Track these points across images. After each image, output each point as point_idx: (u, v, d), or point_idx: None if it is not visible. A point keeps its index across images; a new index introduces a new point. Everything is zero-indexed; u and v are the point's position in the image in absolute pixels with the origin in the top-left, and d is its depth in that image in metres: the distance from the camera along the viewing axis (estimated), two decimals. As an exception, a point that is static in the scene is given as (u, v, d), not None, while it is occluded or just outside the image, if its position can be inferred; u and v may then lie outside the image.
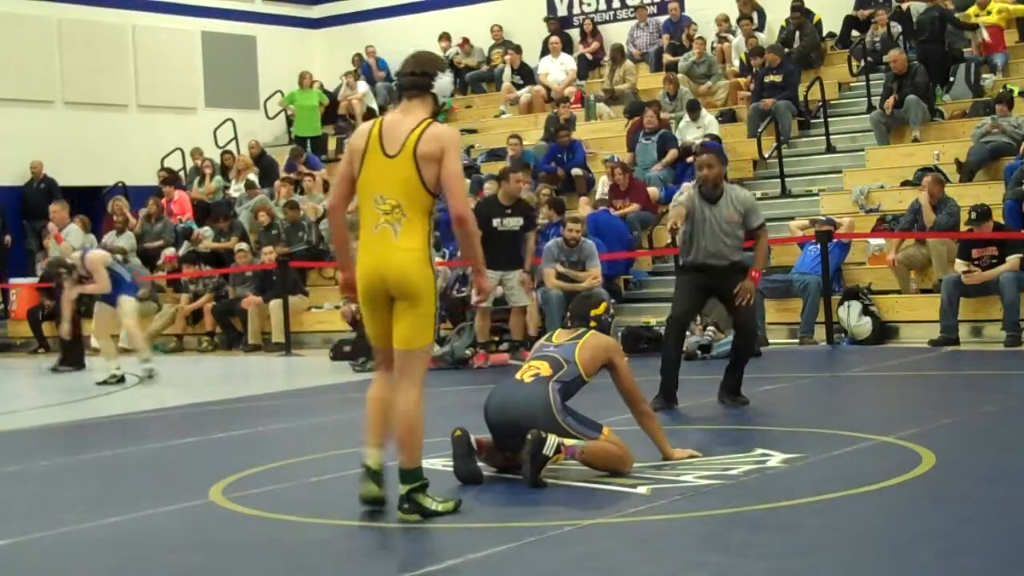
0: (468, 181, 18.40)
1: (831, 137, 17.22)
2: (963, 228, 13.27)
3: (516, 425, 6.31)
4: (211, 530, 5.89)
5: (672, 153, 16.87)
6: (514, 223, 12.85)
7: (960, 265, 12.76)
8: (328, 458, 7.61)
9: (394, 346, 5.76)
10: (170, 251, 18.91)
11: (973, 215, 12.82)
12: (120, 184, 21.55)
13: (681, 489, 6.07)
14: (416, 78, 5.85)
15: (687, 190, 9.40)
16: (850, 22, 19.25)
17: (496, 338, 13.80)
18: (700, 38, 19.81)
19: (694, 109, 17.64)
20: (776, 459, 6.72)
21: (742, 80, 18.83)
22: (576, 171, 17.50)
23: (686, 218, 9.05)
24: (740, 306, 8.98)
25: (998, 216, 13.21)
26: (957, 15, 17.68)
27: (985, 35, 17.33)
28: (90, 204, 21.04)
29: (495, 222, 12.59)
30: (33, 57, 21.35)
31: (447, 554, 5.02)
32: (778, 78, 17.44)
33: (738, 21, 19.65)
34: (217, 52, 23.87)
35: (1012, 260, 12.58)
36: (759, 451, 6.93)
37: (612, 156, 17.05)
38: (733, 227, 9.02)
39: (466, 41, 23.05)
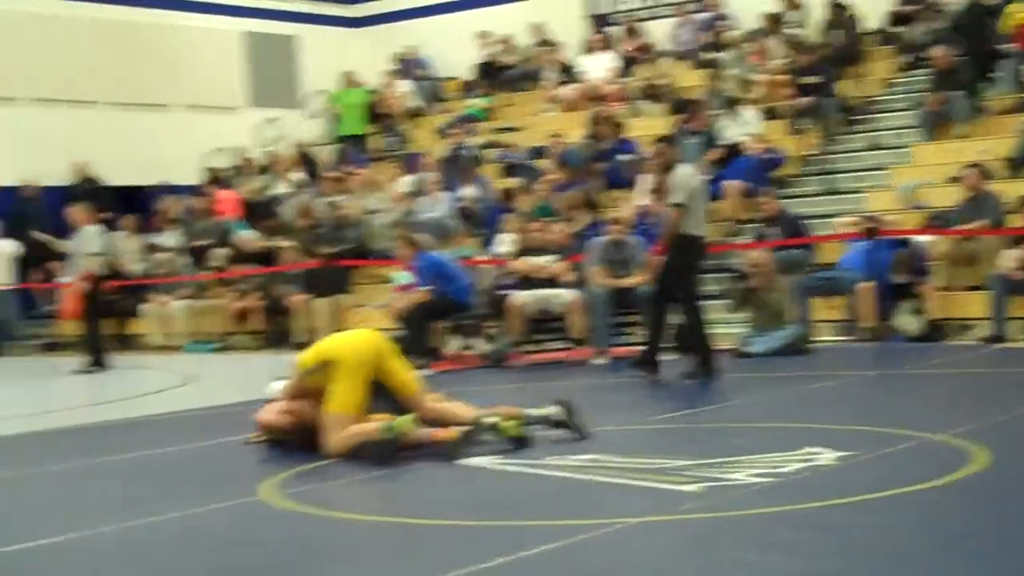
0: (523, 180, 18.23)
1: (876, 134, 17.10)
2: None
3: None
4: (261, 528, 5.92)
5: (713, 152, 16.77)
6: (547, 259, 13.58)
7: (1007, 259, 12.63)
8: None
9: None
10: (225, 250, 19.08)
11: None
12: (164, 184, 21.71)
13: (732, 487, 6.06)
14: None
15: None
16: (893, 18, 19.12)
17: (539, 337, 13.78)
18: (737, 32, 19.74)
19: (731, 106, 17.57)
20: (826, 457, 6.68)
21: (779, 77, 18.70)
22: (622, 165, 17.45)
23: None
24: None
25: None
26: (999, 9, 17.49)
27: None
28: (134, 204, 21.18)
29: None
30: (76, 58, 21.53)
31: (499, 551, 5.03)
32: (814, 78, 17.29)
33: (773, 19, 19.50)
34: (259, 52, 23.99)
35: None
36: (808, 449, 6.89)
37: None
38: None
39: (506, 39, 23.04)
